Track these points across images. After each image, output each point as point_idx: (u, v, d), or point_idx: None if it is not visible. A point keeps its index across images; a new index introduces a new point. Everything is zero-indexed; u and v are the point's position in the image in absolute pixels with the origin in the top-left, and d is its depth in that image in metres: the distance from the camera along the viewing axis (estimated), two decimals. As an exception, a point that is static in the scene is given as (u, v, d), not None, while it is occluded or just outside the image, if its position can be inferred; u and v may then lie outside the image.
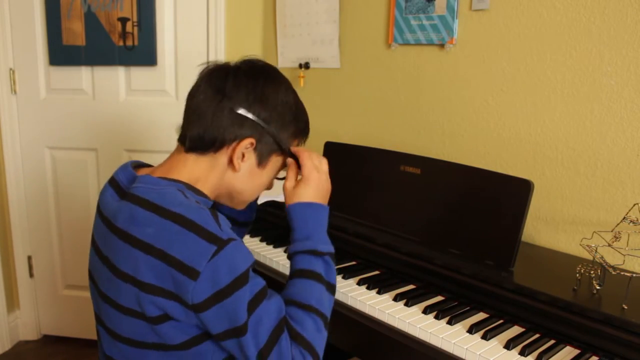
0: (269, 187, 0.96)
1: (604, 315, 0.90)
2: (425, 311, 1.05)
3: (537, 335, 0.98)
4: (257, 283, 0.79)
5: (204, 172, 0.87)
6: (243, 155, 0.87)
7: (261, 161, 0.89)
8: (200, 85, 0.86)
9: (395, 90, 1.63)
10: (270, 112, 0.86)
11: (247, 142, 0.85)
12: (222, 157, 0.86)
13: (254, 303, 0.77)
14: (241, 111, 0.84)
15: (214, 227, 0.75)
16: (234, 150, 0.85)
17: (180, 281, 0.73)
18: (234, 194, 0.92)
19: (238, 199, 0.93)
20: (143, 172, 0.88)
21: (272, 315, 0.79)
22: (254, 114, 0.85)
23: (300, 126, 0.93)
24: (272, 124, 0.87)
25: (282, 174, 0.97)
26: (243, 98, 0.84)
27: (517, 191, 1.10)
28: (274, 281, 1.27)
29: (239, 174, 0.88)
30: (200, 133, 0.84)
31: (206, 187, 0.88)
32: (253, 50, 2.07)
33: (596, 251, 1.02)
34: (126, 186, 0.85)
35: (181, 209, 0.76)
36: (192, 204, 0.78)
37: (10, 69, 1.97)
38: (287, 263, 1.28)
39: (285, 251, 1.36)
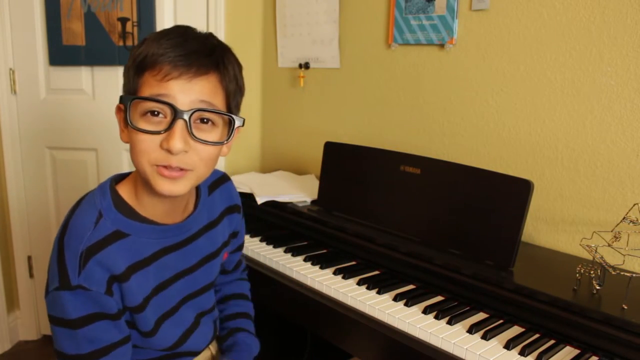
0: (138, 148, 0.74)
1: (604, 315, 0.90)
2: (425, 311, 1.05)
3: (537, 335, 0.98)
4: (98, 340, 0.76)
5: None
6: (123, 127, 0.78)
7: (125, 122, 0.75)
8: None
9: (395, 90, 1.63)
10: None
11: (117, 110, 0.79)
12: None
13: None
14: None
15: (72, 266, 0.74)
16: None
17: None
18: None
19: (142, 178, 0.79)
20: None
21: None
22: None
23: (137, 60, 0.74)
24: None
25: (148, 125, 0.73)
26: None
27: (517, 191, 1.10)
28: (274, 281, 1.27)
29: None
30: None
31: (133, 185, 0.83)
32: (253, 50, 2.07)
33: (596, 251, 1.02)
34: None
35: (67, 231, 0.77)
36: (77, 233, 0.76)
37: (10, 69, 1.97)
38: (288, 263, 1.29)
39: (285, 251, 1.37)
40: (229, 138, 0.79)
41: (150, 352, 0.89)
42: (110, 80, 1.97)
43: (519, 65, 1.33)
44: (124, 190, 0.83)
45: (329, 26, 1.79)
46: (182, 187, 0.77)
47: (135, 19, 1.89)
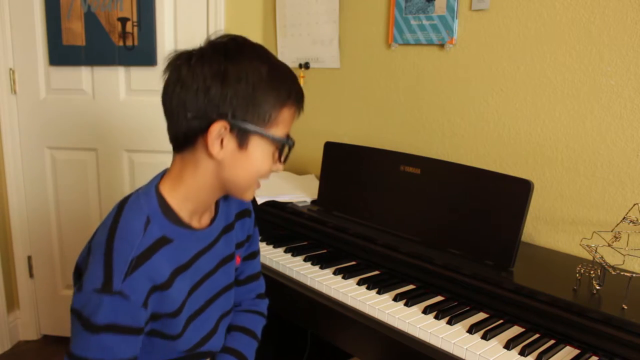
0: (264, 174, 0.86)
1: (604, 315, 0.90)
2: (425, 311, 1.05)
3: (537, 335, 0.98)
4: (109, 350, 0.75)
5: (187, 172, 0.83)
6: (222, 142, 0.79)
7: (241, 144, 0.80)
8: (166, 79, 0.82)
9: (395, 90, 1.63)
10: (233, 90, 0.78)
11: (219, 125, 0.78)
12: (201, 149, 0.80)
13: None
14: (200, 96, 0.78)
15: (119, 271, 0.74)
16: (207, 138, 0.78)
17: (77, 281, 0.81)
18: (228, 185, 0.85)
19: (233, 189, 0.86)
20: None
21: None
22: (214, 96, 0.77)
23: (281, 94, 0.81)
24: (237, 103, 0.78)
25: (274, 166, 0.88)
26: (201, 82, 0.78)
27: (517, 191, 1.10)
28: (274, 281, 1.27)
29: (225, 163, 0.81)
30: (172, 130, 0.82)
31: (182, 191, 0.83)
32: (253, 50, 2.07)
33: (596, 251, 1.02)
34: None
35: (117, 234, 0.77)
36: (129, 238, 0.77)
37: (10, 69, 1.97)
38: (288, 263, 1.29)
39: (285, 251, 1.37)
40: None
41: (168, 352, 0.90)
42: (110, 80, 1.97)
43: (519, 65, 1.33)
44: (166, 192, 0.84)
45: (329, 26, 1.79)
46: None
47: (135, 19, 1.89)
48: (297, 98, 0.85)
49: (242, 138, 0.80)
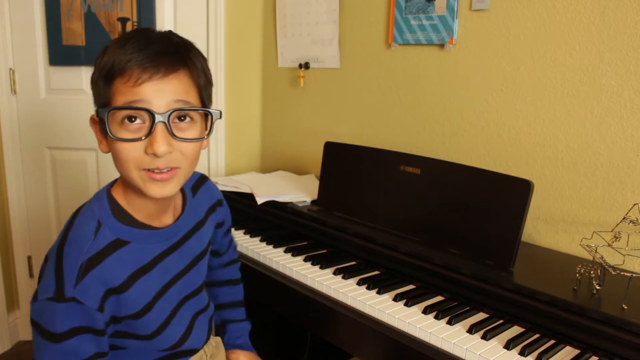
0: (131, 159, 0.75)
1: (604, 315, 0.90)
2: (425, 311, 1.05)
3: (537, 335, 0.98)
4: (74, 354, 0.74)
5: None
6: (101, 138, 0.79)
7: (104, 133, 0.75)
8: None
9: (395, 90, 1.63)
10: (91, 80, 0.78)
11: (91, 120, 0.79)
12: None
13: None
14: None
15: (70, 277, 0.73)
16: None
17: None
18: (125, 180, 0.80)
19: (130, 183, 0.79)
20: None
21: None
22: None
23: (104, 70, 0.73)
24: (93, 93, 0.78)
25: (126, 134, 0.74)
26: None
27: (517, 191, 1.10)
28: (274, 281, 1.27)
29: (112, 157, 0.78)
30: None
31: (128, 191, 0.82)
32: (253, 50, 2.07)
33: (596, 251, 1.02)
34: None
35: (67, 241, 0.76)
36: (78, 243, 0.76)
37: (10, 69, 1.97)
38: (288, 263, 1.29)
39: (285, 251, 1.37)
40: (209, 132, 0.81)
41: (149, 353, 0.89)
42: (110, 80, 1.97)
43: (519, 65, 1.33)
44: (119, 195, 0.83)
45: (329, 26, 1.79)
46: (171, 187, 0.78)
47: (135, 19, 1.89)
48: (121, 65, 0.72)
49: (102, 127, 0.75)
